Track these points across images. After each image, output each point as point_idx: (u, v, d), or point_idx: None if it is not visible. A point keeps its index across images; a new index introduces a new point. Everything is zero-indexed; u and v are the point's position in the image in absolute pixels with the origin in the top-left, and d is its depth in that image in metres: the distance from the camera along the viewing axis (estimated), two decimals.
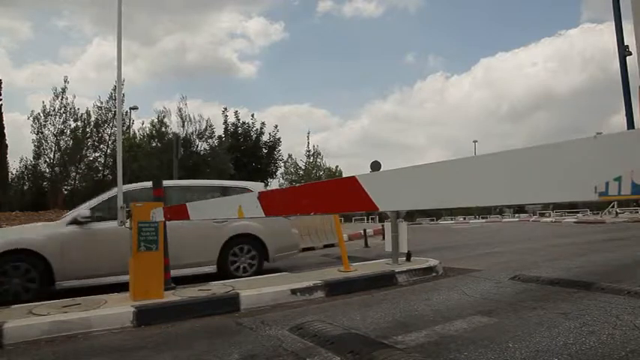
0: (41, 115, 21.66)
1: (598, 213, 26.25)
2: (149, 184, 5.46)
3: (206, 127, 17.20)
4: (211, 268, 6.16)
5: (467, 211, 41.81)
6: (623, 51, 5.02)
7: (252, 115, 24.34)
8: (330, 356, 2.79)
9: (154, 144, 16.87)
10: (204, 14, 64.19)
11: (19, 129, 42.50)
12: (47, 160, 22.28)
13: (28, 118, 21.81)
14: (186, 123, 16.57)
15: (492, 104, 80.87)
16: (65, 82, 22.12)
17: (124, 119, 24.03)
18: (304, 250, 10.45)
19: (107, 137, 21.98)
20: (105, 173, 22.09)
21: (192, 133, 16.72)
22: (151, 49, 52.05)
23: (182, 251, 5.57)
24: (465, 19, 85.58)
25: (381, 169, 5.94)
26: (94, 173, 22.70)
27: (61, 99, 21.88)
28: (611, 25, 5.21)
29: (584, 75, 78.86)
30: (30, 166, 22.47)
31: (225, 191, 6.76)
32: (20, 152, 30.93)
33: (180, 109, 16.66)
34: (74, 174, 22.67)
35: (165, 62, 49.90)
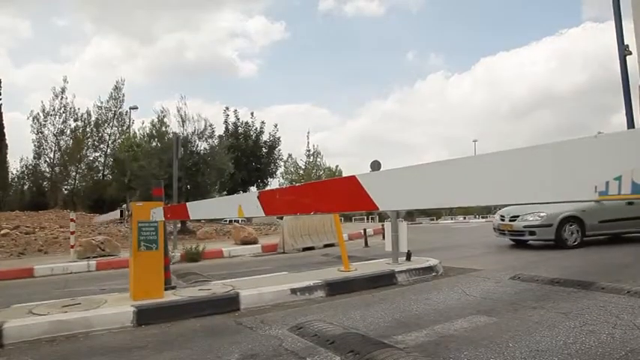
0: (41, 114, 21.72)
1: None
2: None
3: (205, 126, 17.15)
4: None
5: (467, 211, 41.81)
6: (623, 50, 5.02)
7: (252, 114, 24.37)
8: (331, 356, 2.79)
9: (154, 144, 16.82)
10: (204, 13, 64.31)
11: (19, 129, 42.50)
12: (47, 159, 22.33)
13: (28, 118, 21.85)
14: (186, 122, 16.51)
15: (493, 103, 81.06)
16: (64, 81, 22.20)
17: (123, 119, 24.01)
18: (304, 249, 10.46)
19: (107, 137, 22.01)
20: (105, 173, 22.11)
21: (192, 133, 16.67)
22: (151, 48, 52.12)
23: None
24: (466, 17, 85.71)
25: (381, 169, 5.94)
26: (94, 173, 22.73)
27: (61, 98, 21.94)
28: (613, 24, 5.20)
29: (586, 74, 79.01)
30: (30, 166, 22.50)
31: None
32: (20, 152, 30.98)
33: (179, 109, 16.61)
34: (74, 174, 22.69)
35: (166, 61, 50.02)
